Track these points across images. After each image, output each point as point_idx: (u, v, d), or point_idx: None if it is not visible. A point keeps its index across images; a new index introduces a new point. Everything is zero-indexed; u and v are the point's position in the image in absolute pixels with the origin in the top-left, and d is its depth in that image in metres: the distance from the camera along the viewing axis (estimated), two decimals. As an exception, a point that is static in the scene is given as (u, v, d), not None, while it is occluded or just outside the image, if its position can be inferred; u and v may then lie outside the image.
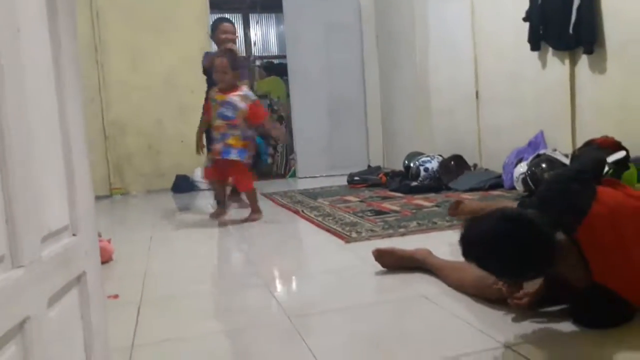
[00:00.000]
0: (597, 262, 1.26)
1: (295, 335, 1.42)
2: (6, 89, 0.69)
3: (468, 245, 1.29)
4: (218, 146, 3.15)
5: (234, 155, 3.12)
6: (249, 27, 8.83)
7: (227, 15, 8.70)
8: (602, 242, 1.27)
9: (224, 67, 3.23)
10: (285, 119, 6.60)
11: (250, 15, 8.74)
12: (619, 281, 1.27)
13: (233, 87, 3.25)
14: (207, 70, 3.72)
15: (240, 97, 3.23)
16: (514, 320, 1.41)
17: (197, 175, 5.54)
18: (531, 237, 1.22)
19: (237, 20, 8.82)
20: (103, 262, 2.14)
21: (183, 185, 5.43)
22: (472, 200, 2.72)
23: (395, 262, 1.98)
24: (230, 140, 3.13)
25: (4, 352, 0.66)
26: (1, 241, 0.67)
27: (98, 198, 4.68)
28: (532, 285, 1.43)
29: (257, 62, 7.81)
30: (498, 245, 1.23)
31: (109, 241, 2.51)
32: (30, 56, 0.79)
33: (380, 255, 1.99)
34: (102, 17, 5.43)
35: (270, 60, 8.05)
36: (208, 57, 3.76)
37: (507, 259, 1.24)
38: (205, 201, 4.78)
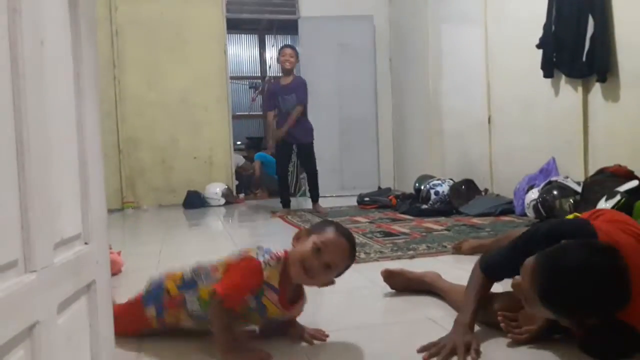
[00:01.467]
0: None
1: (301, 354, 1.42)
2: (28, 99, 0.71)
3: (556, 276, 1.15)
4: None
5: None
6: (265, 49, 8.96)
7: (243, 36, 8.88)
8: None
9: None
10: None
11: (266, 36, 8.89)
12: (634, 313, 1.23)
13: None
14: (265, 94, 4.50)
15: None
16: (521, 347, 1.40)
17: (209, 191, 5.58)
18: (623, 269, 1.16)
19: (253, 41, 8.98)
20: (113, 274, 2.15)
21: (194, 201, 5.47)
22: (474, 239, 2.72)
23: (403, 284, 1.97)
24: None
25: (12, 356, 0.67)
26: (15, 246, 0.69)
27: (110, 211, 4.72)
28: (526, 320, 1.41)
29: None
30: (597, 277, 1.14)
31: (119, 253, 2.53)
32: (52, 68, 0.82)
33: (389, 276, 1.98)
34: (121, 34, 5.55)
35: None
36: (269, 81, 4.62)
37: (603, 291, 1.14)
38: (216, 217, 4.81)
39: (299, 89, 4.56)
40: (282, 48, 4.74)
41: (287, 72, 4.61)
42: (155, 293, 1.52)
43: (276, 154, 4.80)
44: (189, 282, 1.47)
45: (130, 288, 2.16)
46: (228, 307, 1.35)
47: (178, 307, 1.46)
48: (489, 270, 1.48)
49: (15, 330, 0.66)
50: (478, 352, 1.33)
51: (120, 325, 1.21)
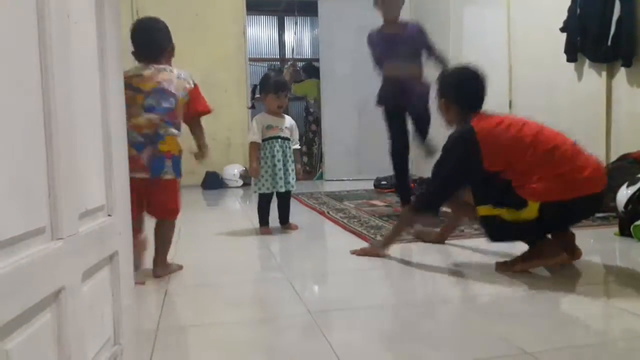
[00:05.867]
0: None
1: (316, 329, 1.44)
2: (55, 71, 0.73)
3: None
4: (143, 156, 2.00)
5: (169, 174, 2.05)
6: (284, 30, 8.92)
7: (262, 17, 8.84)
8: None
9: None
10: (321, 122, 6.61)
11: (285, 18, 8.83)
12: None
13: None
14: (374, 52, 3.35)
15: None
16: (537, 327, 1.40)
17: (227, 172, 5.63)
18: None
19: (272, 22, 8.93)
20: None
21: (213, 182, 5.52)
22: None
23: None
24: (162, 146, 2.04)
25: (40, 318, 0.70)
26: (43, 213, 0.71)
27: (130, 190, 4.79)
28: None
29: (299, 64, 7.81)
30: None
31: (138, 231, 2.57)
32: (77, 42, 0.83)
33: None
34: (141, 15, 5.57)
35: (311, 61, 8.06)
36: (372, 35, 3.40)
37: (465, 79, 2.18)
38: (234, 198, 4.85)
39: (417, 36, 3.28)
40: None
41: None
42: None
43: (390, 123, 3.42)
44: None
45: (151, 264, 2.21)
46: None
47: None
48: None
49: (42, 293, 0.69)
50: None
51: None
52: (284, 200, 3.02)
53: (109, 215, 0.98)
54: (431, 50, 3.25)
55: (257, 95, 3.11)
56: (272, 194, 2.94)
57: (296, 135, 3.01)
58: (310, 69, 7.51)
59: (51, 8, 0.71)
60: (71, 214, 0.78)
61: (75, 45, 0.81)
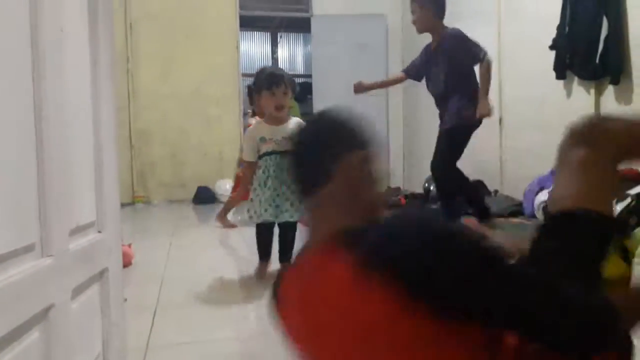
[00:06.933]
0: None
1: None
2: (48, 88, 0.73)
3: None
4: None
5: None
6: (277, 46, 8.98)
7: (255, 34, 8.90)
8: None
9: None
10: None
11: (278, 34, 8.90)
12: None
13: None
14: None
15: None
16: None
17: (219, 187, 5.61)
18: None
19: (265, 39, 8.98)
20: (123, 266, 2.18)
21: (204, 196, 5.49)
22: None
23: None
24: None
25: (28, 337, 0.68)
26: (33, 230, 0.70)
27: (121, 205, 4.75)
28: None
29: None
30: None
31: (129, 246, 2.56)
32: (71, 56, 0.83)
33: None
34: (135, 28, 5.59)
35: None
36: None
37: None
38: (225, 213, 4.83)
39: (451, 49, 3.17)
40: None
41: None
42: None
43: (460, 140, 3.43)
44: None
45: (141, 280, 2.20)
46: None
47: None
48: None
49: (31, 311, 0.68)
50: None
51: None
52: (284, 230, 2.33)
53: (99, 231, 0.97)
54: (475, 59, 3.05)
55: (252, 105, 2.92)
56: (273, 223, 2.30)
57: None
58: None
59: (45, 21, 0.71)
60: (61, 230, 0.77)
61: (68, 58, 0.81)
